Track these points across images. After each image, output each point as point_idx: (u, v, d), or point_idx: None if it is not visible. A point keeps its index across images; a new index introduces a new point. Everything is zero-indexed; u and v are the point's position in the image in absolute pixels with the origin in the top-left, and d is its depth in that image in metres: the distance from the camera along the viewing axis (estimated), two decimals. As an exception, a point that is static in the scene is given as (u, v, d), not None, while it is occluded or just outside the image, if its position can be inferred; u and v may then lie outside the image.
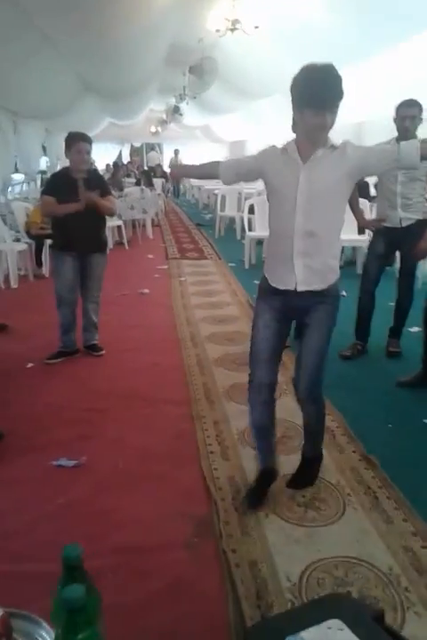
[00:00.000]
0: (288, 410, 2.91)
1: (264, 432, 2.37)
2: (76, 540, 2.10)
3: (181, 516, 2.26)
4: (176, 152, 15.44)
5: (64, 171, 4.05)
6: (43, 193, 4.05)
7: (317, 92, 1.89)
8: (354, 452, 2.71)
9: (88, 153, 3.84)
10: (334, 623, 1.03)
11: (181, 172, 2.81)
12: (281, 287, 2.15)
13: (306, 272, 2.09)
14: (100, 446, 2.85)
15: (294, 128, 2.08)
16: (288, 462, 2.52)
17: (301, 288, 2.10)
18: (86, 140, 3.84)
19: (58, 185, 3.91)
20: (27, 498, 2.41)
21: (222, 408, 3.22)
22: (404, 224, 3.81)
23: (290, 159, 2.06)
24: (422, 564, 1.93)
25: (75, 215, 3.76)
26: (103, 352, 4.15)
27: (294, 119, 2.05)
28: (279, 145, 2.15)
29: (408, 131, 3.45)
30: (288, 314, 2.23)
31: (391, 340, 4.08)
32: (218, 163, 2.27)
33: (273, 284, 2.18)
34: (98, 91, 10.14)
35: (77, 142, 3.78)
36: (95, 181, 3.98)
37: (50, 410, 3.25)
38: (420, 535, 2.08)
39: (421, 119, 3.61)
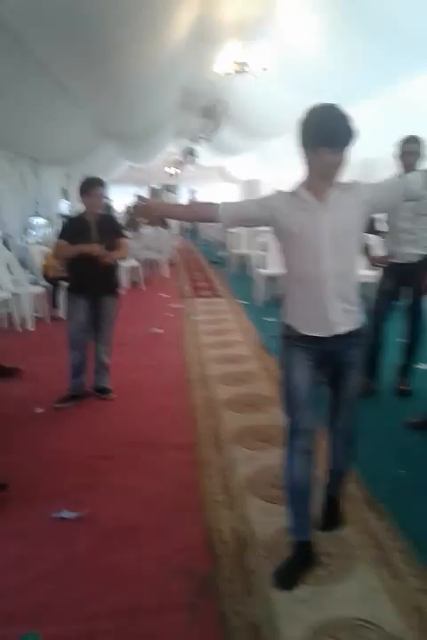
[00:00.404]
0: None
1: (304, 494, 2.13)
2: (74, 599, 2.07)
3: (183, 574, 2.17)
4: (192, 192, 15.52)
5: (79, 215, 4.16)
6: (59, 237, 4.11)
7: (333, 130, 1.91)
8: (363, 501, 2.60)
9: (102, 196, 3.93)
10: None
11: (157, 210, 2.33)
12: (317, 334, 2.07)
13: (344, 314, 2.06)
14: (105, 496, 2.79)
15: (306, 169, 2.06)
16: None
17: (341, 330, 2.06)
18: (101, 184, 3.95)
19: (73, 229, 4.00)
20: (26, 553, 2.35)
21: (230, 453, 3.14)
22: (411, 260, 3.77)
23: (304, 203, 2.03)
24: (433, 626, 1.82)
25: (88, 259, 3.82)
26: (113, 395, 4.12)
27: (306, 160, 2.03)
28: (282, 189, 2.13)
29: (412, 167, 3.45)
30: (322, 360, 2.13)
31: (402, 379, 3.98)
32: (216, 205, 2.13)
33: (305, 333, 2.09)
34: (114, 136, 10.39)
35: (92, 187, 3.88)
36: (108, 224, 4.07)
37: (56, 457, 3.21)
38: (431, 594, 1.96)
39: (423, 154, 3.62)
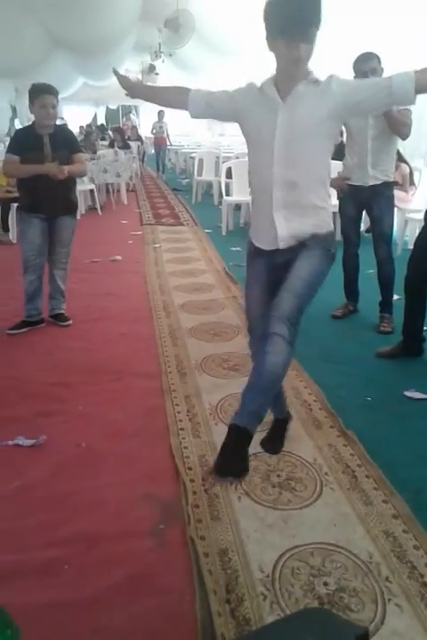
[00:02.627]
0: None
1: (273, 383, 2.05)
2: (30, 527, 1.95)
3: (146, 500, 2.09)
4: (160, 115, 14.40)
5: (28, 127, 3.77)
6: (6, 152, 3.75)
7: (288, 17, 1.66)
8: (332, 427, 2.56)
9: (53, 107, 3.54)
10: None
11: (133, 89, 2.23)
12: (265, 248, 1.95)
13: (288, 227, 1.88)
14: (63, 424, 2.65)
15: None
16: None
17: (283, 246, 1.91)
18: (51, 92, 3.53)
19: (22, 142, 3.63)
20: (-22, 481, 2.22)
21: (195, 381, 3.04)
22: (370, 183, 3.60)
23: (267, 98, 1.81)
24: (403, 550, 1.80)
25: (42, 175, 3.52)
26: (70, 322, 3.93)
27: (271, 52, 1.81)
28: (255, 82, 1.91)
29: None
30: (274, 272, 1.99)
31: (383, 316, 3.79)
32: (187, 90, 1.99)
33: (257, 245, 1.98)
34: (69, 46, 9.63)
35: (41, 95, 3.49)
36: (63, 138, 3.70)
37: (10, 384, 3.03)
38: (401, 518, 1.94)
39: (382, 69, 3.40)
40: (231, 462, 1.99)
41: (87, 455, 2.40)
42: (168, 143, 14.70)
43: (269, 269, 2.00)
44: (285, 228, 1.88)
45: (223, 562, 1.76)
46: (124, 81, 2.23)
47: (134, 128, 15.87)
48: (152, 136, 14.91)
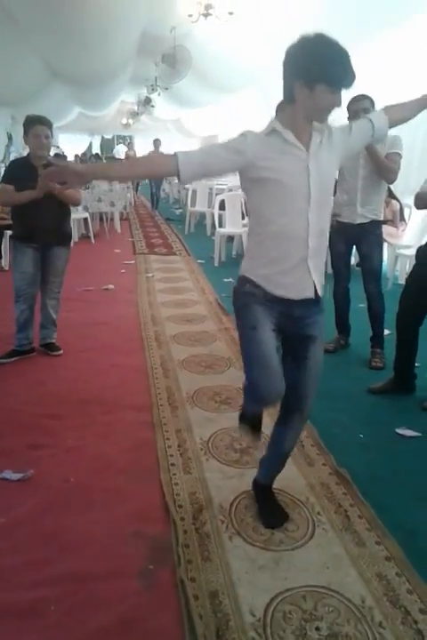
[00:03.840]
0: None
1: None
2: (16, 566, 1.90)
3: (136, 538, 2.05)
4: (156, 143, 13.87)
5: (24, 158, 3.81)
6: (0, 182, 3.78)
7: (338, 66, 1.64)
8: (324, 465, 2.54)
9: (47, 137, 3.59)
10: None
11: (83, 172, 1.73)
12: (289, 296, 1.83)
13: (316, 275, 1.84)
14: (52, 457, 2.61)
15: (287, 107, 1.76)
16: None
17: (320, 293, 1.87)
18: (44, 122, 3.58)
19: (17, 172, 3.65)
20: (-36, 517, 2.17)
21: (186, 415, 3.02)
22: (358, 221, 3.68)
23: (287, 145, 1.74)
24: (396, 594, 1.77)
25: (36, 204, 3.52)
26: (61, 352, 3.91)
27: (293, 96, 1.70)
28: (252, 129, 1.82)
29: None
30: (283, 325, 1.89)
31: (374, 352, 3.81)
32: (173, 157, 1.70)
33: (274, 293, 1.84)
34: (66, 78, 9.76)
35: (34, 125, 3.54)
36: None
37: (-1, 415, 3.00)
38: (394, 561, 1.92)
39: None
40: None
41: (76, 491, 2.36)
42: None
43: (282, 317, 1.88)
44: (315, 276, 1.84)
45: (214, 605, 1.73)
46: (61, 170, 1.73)
47: (128, 158, 16.04)
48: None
